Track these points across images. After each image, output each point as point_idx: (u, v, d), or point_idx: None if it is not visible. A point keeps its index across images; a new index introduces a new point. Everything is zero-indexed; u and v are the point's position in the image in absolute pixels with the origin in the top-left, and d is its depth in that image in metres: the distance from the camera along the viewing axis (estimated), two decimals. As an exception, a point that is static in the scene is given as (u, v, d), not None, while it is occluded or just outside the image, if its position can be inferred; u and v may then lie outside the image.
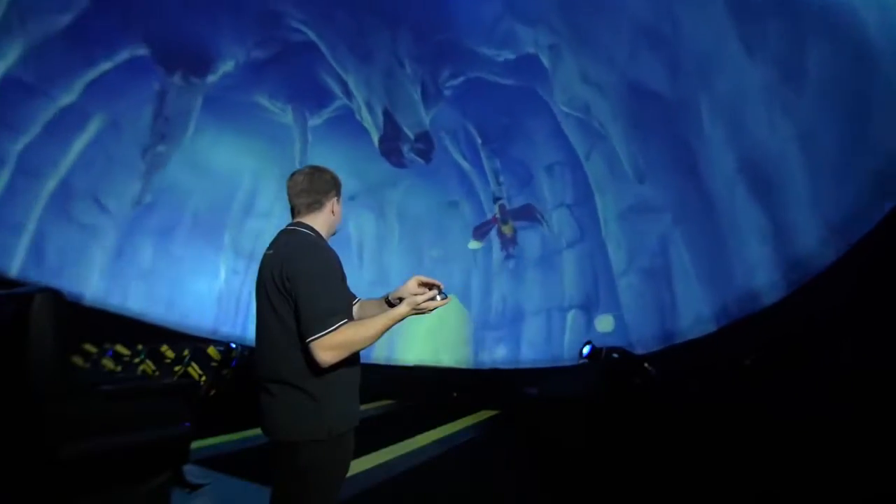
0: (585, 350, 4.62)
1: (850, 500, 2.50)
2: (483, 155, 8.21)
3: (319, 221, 1.56)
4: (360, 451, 1.79)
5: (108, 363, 4.26)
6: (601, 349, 4.59)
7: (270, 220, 8.48)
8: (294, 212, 1.57)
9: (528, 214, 8.38)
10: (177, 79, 6.53)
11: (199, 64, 6.58)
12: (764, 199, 4.64)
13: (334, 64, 7.07)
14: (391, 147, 8.06)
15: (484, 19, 6.31)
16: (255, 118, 7.69)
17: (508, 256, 8.63)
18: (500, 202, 8.53)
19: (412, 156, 8.08)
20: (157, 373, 4.20)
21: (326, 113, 8.03)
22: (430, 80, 7.37)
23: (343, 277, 1.50)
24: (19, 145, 5.55)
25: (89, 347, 4.62)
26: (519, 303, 8.30)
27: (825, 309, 3.70)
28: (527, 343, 7.85)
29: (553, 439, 4.21)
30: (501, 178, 8.37)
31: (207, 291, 8.14)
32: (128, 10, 5.61)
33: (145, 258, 7.44)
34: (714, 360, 4.73)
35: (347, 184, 6.84)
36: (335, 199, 1.59)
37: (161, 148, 6.78)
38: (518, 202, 8.33)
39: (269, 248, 1.51)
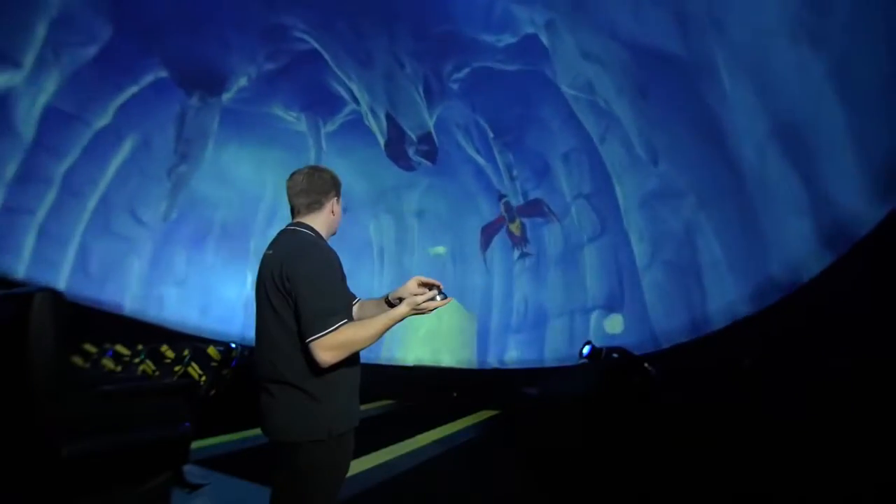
0: (585, 350, 4.62)
1: (849, 500, 2.50)
2: (495, 149, 7.94)
3: (319, 221, 1.57)
4: (360, 451, 1.80)
5: (108, 363, 4.28)
6: (601, 349, 4.60)
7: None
8: (294, 212, 1.58)
9: (537, 210, 8.02)
10: (195, 100, 7.06)
11: (213, 83, 7.05)
12: (800, 161, 4.07)
13: (338, 71, 7.26)
14: (397, 151, 8.12)
15: (478, 4, 6.17)
16: (273, 128, 7.99)
17: (523, 255, 8.33)
18: (505, 200, 8.27)
19: (418, 158, 8.06)
20: (157, 373, 4.22)
21: (339, 118, 8.16)
22: (433, 77, 7.29)
23: (343, 277, 1.51)
24: (63, 167, 6.22)
25: (89, 347, 4.65)
26: (541, 304, 7.99)
27: (825, 309, 3.70)
28: (549, 348, 7.55)
29: (553, 439, 4.21)
30: (515, 172, 8.01)
31: (236, 297, 8.54)
32: (146, 37, 6.17)
33: (179, 267, 7.97)
34: (714, 360, 4.73)
35: (365, 188, 7.38)
36: (335, 199, 1.60)
37: (183, 168, 7.36)
38: (536, 195, 8.00)
39: (268, 248, 1.51)
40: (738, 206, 4.85)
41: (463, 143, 8.21)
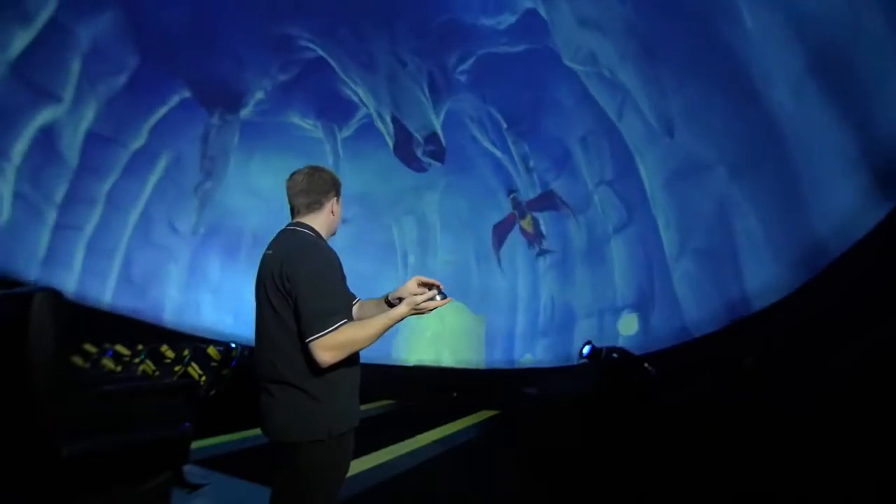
0: (585, 350, 4.63)
1: (850, 500, 2.50)
2: (509, 140, 7.63)
3: (319, 221, 1.57)
4: (360, 451, 1.81)
5: (108, 363, 4.29)
6: (601, 349, 4.60)
7: None
8: (294, 212, 1.58)
9: (549, 203, 7.58)
10: (215, 119, 7.60)
11: (231, 100, 7.53)
12: (845, 98, 3.51)
13: (344, 77, 7.43)
14: (406, 153, 8.14)
15: (472, -14, 5.98)
16: (292, 137, 8.28)
17: (542, 252, 7.93)
18: (514, 195, 7.93)
19: (427, 159, 8.01)
20: (157, 373, 4.23)
21: (354, 123, 8.30)
22: (438, 71, 7.21)
23: (343, 277, 1.51)
24: (106, 186, 6.90)
25: (89, 347, 4.66)
26: (568, 304, 7.56)
27: (825, 308, 3.70)
28: (578, 351, 7.32)
29: (553, 439, 4.21)
30: (532, 163, 7.62)
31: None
32: (169, 61, 6.74)
33: (213, 274, 8.45)
34: (714, 360, 4.73)
35: (384, 190, 7.85)
36: (335, 199, 1.61)
37: (208, 184, 7.95)
38: (556, 186, 7.57)
39: (268, 248, 1.52)
40: (776, 169, 4.22)
41: (478, 136, 7.98)
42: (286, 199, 1.60)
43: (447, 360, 8.31)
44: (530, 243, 8.11)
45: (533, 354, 7.77)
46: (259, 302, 1.50)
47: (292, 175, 1.59)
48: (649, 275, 6.28)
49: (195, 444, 2.53)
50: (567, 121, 6.88)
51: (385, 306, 1.62)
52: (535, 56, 6.51)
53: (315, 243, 1.49)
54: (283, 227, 1.58)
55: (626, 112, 5.83)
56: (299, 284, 1.37)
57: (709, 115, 4.76)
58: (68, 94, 5.93)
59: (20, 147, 5.69)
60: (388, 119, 7.76)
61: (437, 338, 8.46)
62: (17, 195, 5.77)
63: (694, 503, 2.97)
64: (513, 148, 7.67)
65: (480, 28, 6.52)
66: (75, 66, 5.88)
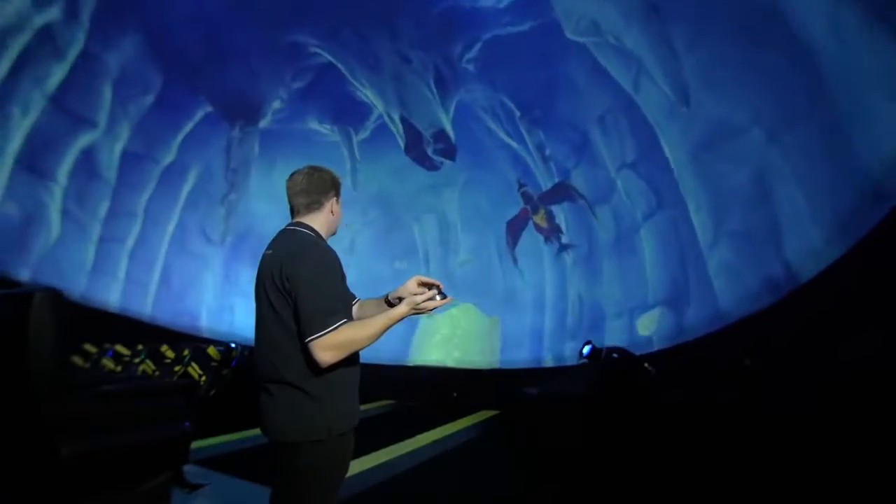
0: (585, 350, 4.62)
1: (851, 500, 2.50)
2: (522, 129, 7.29)
3: (319, 221, 1.57)
4: (360, 451, 1.81)
5: (108, 363, 4.31)
6: (601, 349, 4.60)
7: (343, 239, 9.08)
8: (293, 212, 1.59)
9: (563, 194, 7.13)
10: (237, 131, 8.00)
11: (250, 112, 7.87)
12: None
13: (352, 80, 7.50)
14: (418, 153, 8.08)
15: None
16: (312, 142, 8.44)
17: (563, 248, 7.46)
18: (524, 189, 7.55)
19: (438, 157, 7.91)
20: (157, 373, 4.24)
21: (369, 125, 8.34)
22: (444, 63, 7.05)
23: (343, 277, 1.51)
24: (144, 199, 7.43)
25: (89, 347, 4.68)
26: (596, 303, 7.05)
27: (825, 308, 3.70)
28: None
29: (553, 439, 4.21)
30: (548, 152, 7.21)
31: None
32: (190, 79, 7.17)
33: (245, 279, 8.65)
34: (714, 360, 4.73)
35: (404, 190, 7.98)
36: (334, 199, 1.61)
37: (233, 196, 8.38)
38: (577, 175, 7.11)
39: (268, 248, 1.52)
40: (819, 122, 3.74)
41: (493, 127, 7.69)
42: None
43: (459, 362, 8.10)
44: (547, 239, 7.70)
45: (562, 357, 7.29)
46: (259, 302, 1.50)
47: (292, 175, 1.60)
48: (682, 265, 5.72)
49: (195, 444, 2.54)
50: (582, 101, 6.45)
51: (385, 306, 1.63)
52: (541, 33, 6.19)
53: (315, 243, 1.49)
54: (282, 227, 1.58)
55: (643, 82, 5.37)
56: (299, 284, 1.37)
57: (732, 71, 4.26)
58: (103, 117, 6.52)
59: (65, 169, 6.32)
60: (398, 119, 7.77)
61: (449, 341, 8.26)
62: (65, 213, 6.40)
63: (694, 503, 2.97)
64: (527, 137, 7.32)
65: (481, 10, 6.32)
66: (107, 92, 6.47)
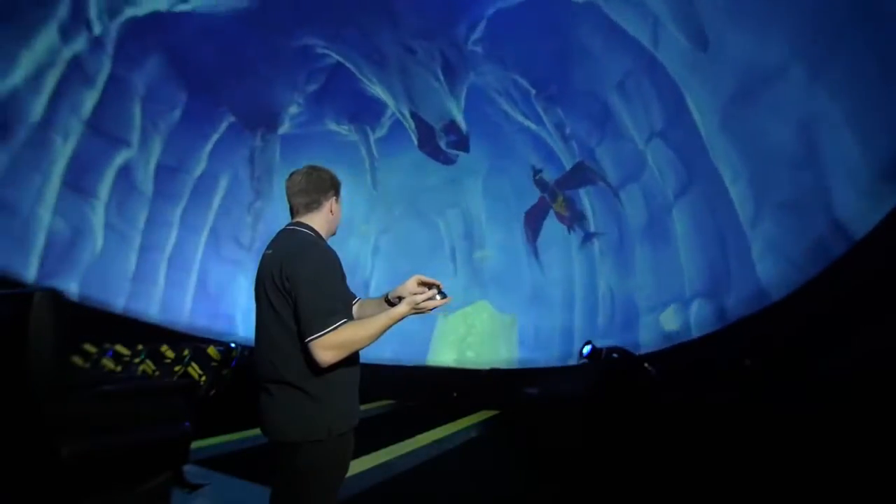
0: (585, 350, 4.62)
1: (850, 500, 2.50)
2: (539, 108, 6.83)
3: (318, 221, 1.58)
4: (360, 451, 1.81)
5: (108, 363, 4.31)
6: (601, 349, 4.59)
7: (367, 240, 9.20)
8: (293, 212, 1.59)
9: (581, 177, 6.55)
10: (258, 140, 8.32)
11: (269, 119, 8.13)
12: None
13: (362, 78, 7.49)
14: (431, 148, 7.93)
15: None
16: (333, 143, 8.54)
17: (588, 237, 6.90)
18: (539, 175, 7.08)
19: (452, 150, 7.69)
20: (157, 373, 4.25)
21: (385, 122, 8.33)
22: (450, 49, 6.80)
23: (343, 277, 1.51)
24: (179, 210, 7.92)
25: (89, 347, 4.68)
26: (629, 297, 6.40)
27: (825, 309, 3.70)
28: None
29: (553, 439, 4.21)
30: (568, 130, 6.69)
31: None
32: (211, 91, 7.51)
33: None
34: (714, 360, 4.72)
35: (426, 186, 7.90)
36: (334, 198, 1.61)
37: (258, 203, 8.73)
38: (602, 153, 6.49)
39: (268, 248, 1.52)
40: (870, 45, 3.14)
41: (509, 110, 7.29)
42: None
43: (475, 363, 7.79)
44: (569, 228, 7.16)
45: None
46: (259, 302, 1.51)
47: (291, 175, 1.60)
48: (723, 248, 5.03)
49: (195, 444, 2.53)
50: (598, 67, 5.84)
51: (385, 305, 1.63)
52: (549, -1, 5.74)
53: (315, 243, 1.50)
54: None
55: (662, 36, 4.77)
56: (299, 284, 1.37)
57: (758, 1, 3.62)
58: (135, 135, 7.04)
59: (105, 186, 6.88)
60: (408, 114, 7.67)
61: (465, 340, 8.03)
62: (108, 225, 6.97)
63: (693, 503, 2.97)
64: (545, 117, 6.85)
65: (483, -15, 5.99)
66: (136, 111, 6.97)
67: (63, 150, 6.25)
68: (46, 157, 6.08)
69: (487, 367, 7.41)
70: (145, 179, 7.32)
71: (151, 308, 7.48)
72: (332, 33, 6.99)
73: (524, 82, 6.82)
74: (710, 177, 4.96)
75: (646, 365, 4.28)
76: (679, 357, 5.16)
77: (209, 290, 8.36)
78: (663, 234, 5.87)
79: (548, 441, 4.34)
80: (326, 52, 7.30)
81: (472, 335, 8.08)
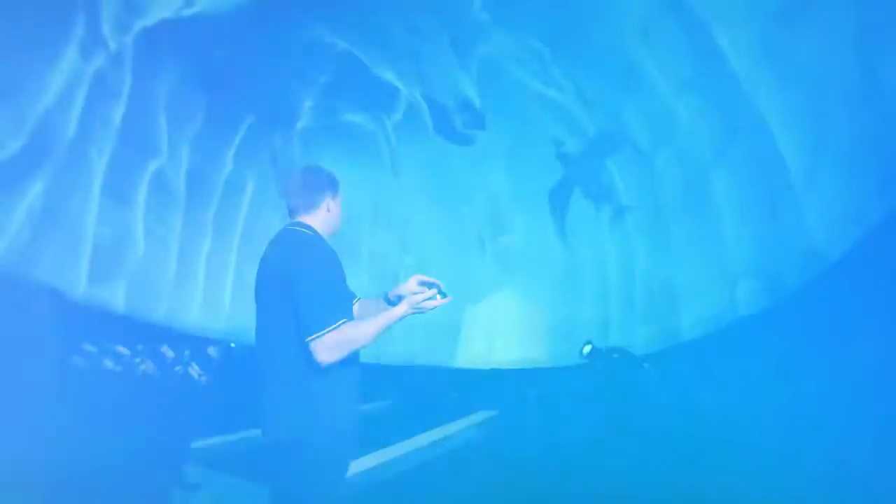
0: (585, 350, 4.62)
1: (849, 500, 2.50)
2: (557, 72, 6.23)
3: (317, 220, 1.59)
4: (360, 451, 1.79)
5: (108, 363, 4.29)
6: (601, 349, 4.59)
7: (393, 234, 9.04)
8: (292, 212, 1.59)
9: (605, 146, 5.98)
10: (277, 139, 8.47)
11: (286, 116, 8.21)
12: None
13: (370, 64, 7.33)
14: (447, 129, 7.58)
15: None
16: (351, 134, 8.46)
17: (618, 213, 6.32)
18: (562, 148, 6.65)
19: (469, 130, 7.27)
20: (157, 373, 4.23)
21: (400, 108, 8.09)
22: (459, 18, 6.30)
23: (342, 276, 1.52)
24: (211, 213, 8.29)
25: (89, 347, 4.67)
26: (668, 280, 5.64)
27: (825, 308, 3.69)
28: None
29: (553, 439, 4.21)
30: (590, 93, 6.16)
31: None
32: (229, 92, 7.68)
33: None
34: (714, 359, 4.72)
35: (449, 171, 7.75)
36: (331, 197, 1.61)
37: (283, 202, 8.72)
38: (629, 115, 5.82)
39: (267, 248, 1.52)
40: None
41: (525, 78, 6.70)
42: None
43: (499, 356, 7.33)
44: (597, 204, 6.63)
45: (633, 347, 5.74)
46: (259, 302, 1.51)
47: (288, 176, 1.60)
48: (773, 220, 4.22)
49: (195, 444, 2.53)
50: (616, 13, 5.11)
51: (385, 305, 1.63)
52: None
53: (314, 243, 1.50)
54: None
55: None
56: (298, 284, 1.38)
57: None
58: (164, 143, 7.34)
59: (141, 194, 7.26)
60: (420, 97, 7.42)
61: (492, 331, 7.56)
62: (147, 231, 7.35)
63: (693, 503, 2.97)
64: (563, 81, 6.27)
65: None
66: (162, 119, 7.25)
67: (99, 163, 6.60)
68: (86, 170, 6.44)
69: (508, 362, 7.04)
70: (177, 184, 7.64)
71: (192, 311, 7.71)
72: (336, 19, 6.88)
73: (537, 43, 6.15)
74: (759, 130, 4.14)
75: (646, 365, 4.28)
76: (679, 356, 5.16)
77: (247, 288, 8.15)
78: (703, 202, 5.14)
79: (548, 441, 4.34)
80: (333, 40, 7.21)
81: (499, 326, 7.61)
